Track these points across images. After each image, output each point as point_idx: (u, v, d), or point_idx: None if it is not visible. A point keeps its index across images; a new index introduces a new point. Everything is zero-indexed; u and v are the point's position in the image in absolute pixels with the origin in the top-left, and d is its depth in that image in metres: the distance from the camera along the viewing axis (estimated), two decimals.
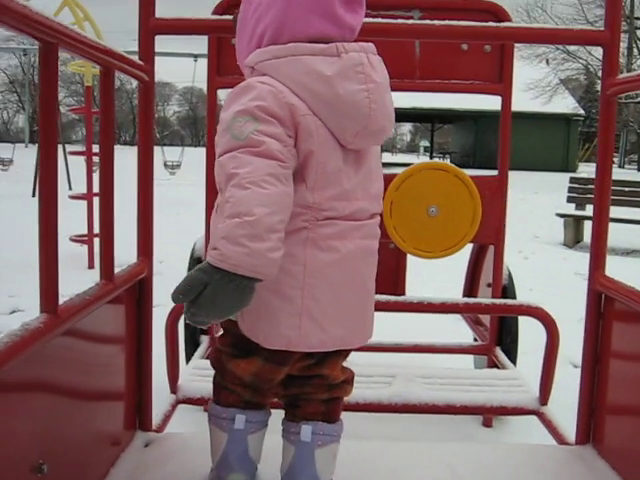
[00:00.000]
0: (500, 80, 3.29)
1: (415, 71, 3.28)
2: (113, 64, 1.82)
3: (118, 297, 2.01)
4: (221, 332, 1.83)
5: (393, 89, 3.42)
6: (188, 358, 3.31)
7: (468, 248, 3.94)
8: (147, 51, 2.13)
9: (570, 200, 10.50)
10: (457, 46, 3.23)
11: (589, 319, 2.27)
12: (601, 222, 2.25)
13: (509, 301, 3.03)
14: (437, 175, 2.95)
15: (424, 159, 47.50)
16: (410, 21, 2.21)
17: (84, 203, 7.00)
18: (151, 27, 2.13)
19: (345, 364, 1.86)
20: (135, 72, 2.04)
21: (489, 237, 3.24)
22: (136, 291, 2.21)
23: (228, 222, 1.39)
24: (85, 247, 6.95)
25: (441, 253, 2.88)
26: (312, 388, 1.78)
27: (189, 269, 3.22)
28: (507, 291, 3.42)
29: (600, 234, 2.25)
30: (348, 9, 1.61)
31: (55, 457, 1.53)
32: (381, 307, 2.44)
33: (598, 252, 2.26)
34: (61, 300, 1.57)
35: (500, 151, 3.31)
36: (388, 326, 4.39)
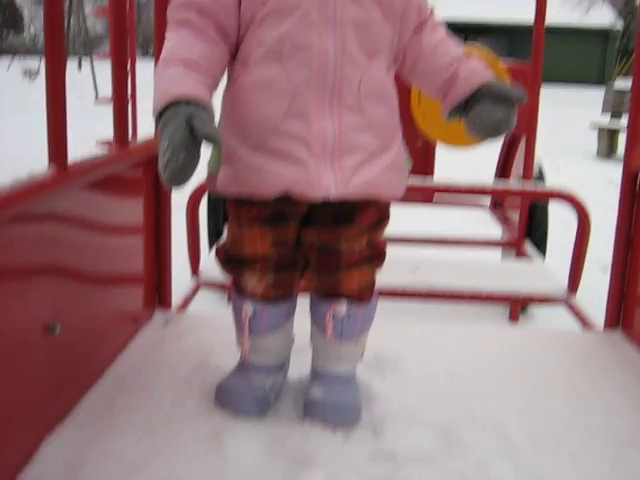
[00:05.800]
0: None
1: None
2: None
3: (135, 176, 1.95)
4: None
5: None
6: (211, 248, 3.28)
7: (499, 143, 3.84)
8: None
9: (605, 110, 10.20)
10: None
11: (623, 200, 2.15)
12: (638, 100, 2.12)
13: (540, 186, 2.93)
14: None
15: None
16: None
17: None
18: None
19: None
20: None
21: (520, 127, 3.12)
22: (154, 170, 2.09)
23: None
24: None
25: (470, 141, 2.76)
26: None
27: None
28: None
29: (638, 112, 2.13)
30: None
31: (69, 321, 1.49)
32: (406, 197, 2.34)
33: (635, 131, 2.15)
34: None
35: (534, 37, 3.17)
36: (415, 217, 4.31)
